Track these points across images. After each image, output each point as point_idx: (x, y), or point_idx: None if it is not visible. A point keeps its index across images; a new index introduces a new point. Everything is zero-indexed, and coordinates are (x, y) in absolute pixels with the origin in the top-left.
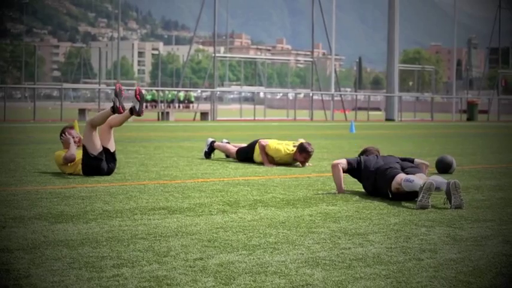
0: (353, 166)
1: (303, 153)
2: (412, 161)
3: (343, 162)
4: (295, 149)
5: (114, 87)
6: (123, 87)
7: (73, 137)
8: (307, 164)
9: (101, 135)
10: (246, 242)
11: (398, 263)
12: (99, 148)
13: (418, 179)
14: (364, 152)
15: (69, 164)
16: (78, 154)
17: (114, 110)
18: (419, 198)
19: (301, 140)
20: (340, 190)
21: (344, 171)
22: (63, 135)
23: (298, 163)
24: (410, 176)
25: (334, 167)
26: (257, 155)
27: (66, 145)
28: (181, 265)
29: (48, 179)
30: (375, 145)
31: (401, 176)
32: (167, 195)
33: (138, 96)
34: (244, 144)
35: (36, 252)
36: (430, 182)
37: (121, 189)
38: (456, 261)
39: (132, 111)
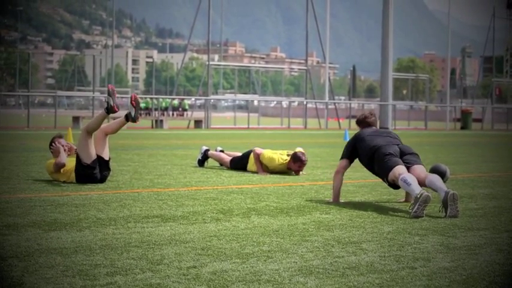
0: (351, 154)
1: (297, 163)
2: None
3: (344, 166)
4: (289, 158)
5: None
6: (115, 89)
7: (62, 146)
8: (301, 172)
9: (96, 142)
10: (240, 251)
11: (392, 272)
12: (93, 156)
13: (415, 184)
14: (362, 122)
15: (61, 171)
16: (71, 162)
17: (109, 110)
18: (414, 209)
19: (299, 149)
20: (335, 199)
21: (349, 166)
22: (53, 144)
23: (292, 171)
24: (408, 178)
25: (337, 174)
26: (251, 164)
27: (56, 154)
28: (175, 273)
29: (42, 187)
30: (370, 110)
31: (399, 170)
32: (161, 203)
33: (133, 102)
34: (238, 153)
35: (29, 260)
36: (426, 194)
37: (115, 197)
38: (449, 269)
39: (128, 117)
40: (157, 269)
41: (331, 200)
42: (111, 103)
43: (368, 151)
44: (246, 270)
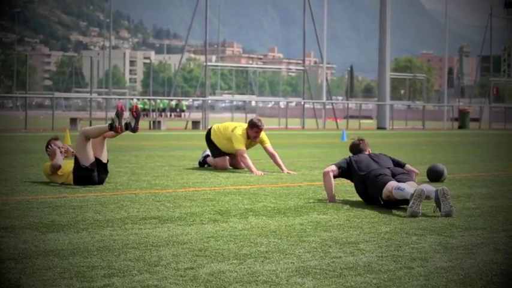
0: (343, 168)
1: (253, 128)
2: (403, 165)
3: (333, 169)
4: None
5: (105, 96)
6: (124, 106)
7: (58, 147)
8: (292, 172)
9: (94, 145)
10: (237, 251)
11: (389, 272)
12: (92, 159)
13: (409, 187)
14: (353, 148)
15: (58, 173)
16: (68, 164)
17: (112, 128)
18: (409, 205)
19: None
20: (331, 199)
21: (336, 176)
22: (49, 147)
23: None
24: (401, 184)
25: (325, 175)
26: (214, 136)
27: (52, 157)
28: (172, 274)
29: (40, 189)
30: (359, 136)
31: (392, 184)
32: (158, 204)
33: (134, 113)
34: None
35: (27, 262)
36: (420, 189)
37: (112, 198)
38: (447, 269)
39: (127, 127)
40: (154, 270)
41: (328, 201)
42: (116, 124)
43: (362, 175)
44: (244, 271)
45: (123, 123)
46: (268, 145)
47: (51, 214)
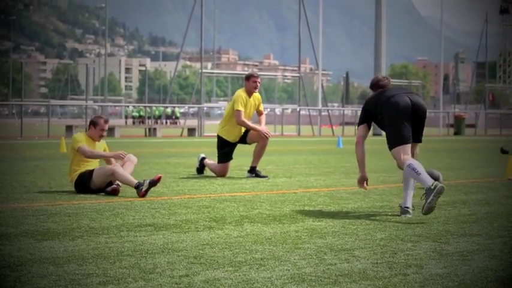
0: (367, 118)
1: (250, 78)
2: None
3: (360, 135)
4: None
5: (101, 104)
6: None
7: (102, 129)
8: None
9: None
10: (232, 259)
11: (384, 279)
12: (102, 186)
13: (426, 174)
14: (376, 85)
15: (80, 163)
16: (87, 164)
17: (137, 189)
18: (428, 200)
19: None
20: (361, 172)
21: (368, 130)
22: (96, 124)
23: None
24: (417, 166)
25: (357, 145)
26: (222, 132)
27: (106, 155)
28: (167, 282)
29: (35, 196)
30: (382, 75)
31: (404, 153)
32: (154, 211)
33: (155, 182)
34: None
35: (22, 270)
36: (441, 186)
37: (107, 206)
38: (442, 276)
39: (137, 187)
40: (149, 277)
41: (359, 174)
42: (143, 189)
43: (378, 101)
44: (239, 278)
45: (148, 191)
46: (262, 109)
47: (47, 222)
